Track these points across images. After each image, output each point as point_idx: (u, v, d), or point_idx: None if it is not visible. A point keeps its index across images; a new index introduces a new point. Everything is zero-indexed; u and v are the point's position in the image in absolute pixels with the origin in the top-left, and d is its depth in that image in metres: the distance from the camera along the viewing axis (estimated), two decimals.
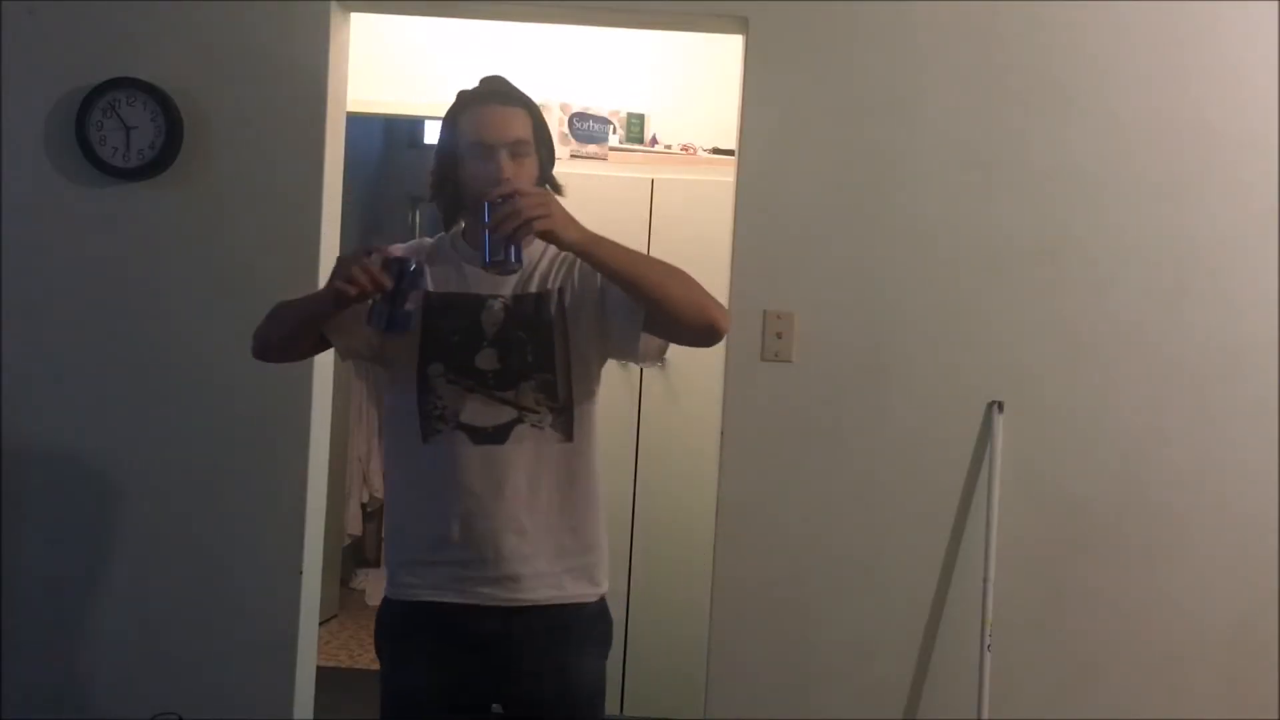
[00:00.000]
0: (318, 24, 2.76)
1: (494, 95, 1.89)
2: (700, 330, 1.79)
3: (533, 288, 1.90)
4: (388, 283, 1.71)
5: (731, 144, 2.91)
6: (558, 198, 1.78)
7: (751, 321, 2.76)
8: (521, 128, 1.87)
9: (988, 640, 2.69)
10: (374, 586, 5.41)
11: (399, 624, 1.94)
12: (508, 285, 1.88)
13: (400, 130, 5.97)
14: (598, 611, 1.95)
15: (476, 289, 1.89)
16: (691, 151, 3.93)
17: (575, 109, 3.97)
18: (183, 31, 2.76)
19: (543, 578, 1.87)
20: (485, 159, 1.83)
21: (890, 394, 2.79)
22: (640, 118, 4.05)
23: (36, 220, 2.78)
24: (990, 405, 2.78)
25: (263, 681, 2.79)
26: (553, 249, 1.88)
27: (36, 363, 2.79)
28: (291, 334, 1.92)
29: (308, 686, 2.89)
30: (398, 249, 1.86)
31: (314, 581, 2.87)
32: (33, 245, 2.79)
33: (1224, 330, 2.77)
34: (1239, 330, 2.77)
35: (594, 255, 1.74)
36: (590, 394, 1.93)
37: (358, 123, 3.40)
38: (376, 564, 5.65)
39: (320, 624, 3.13)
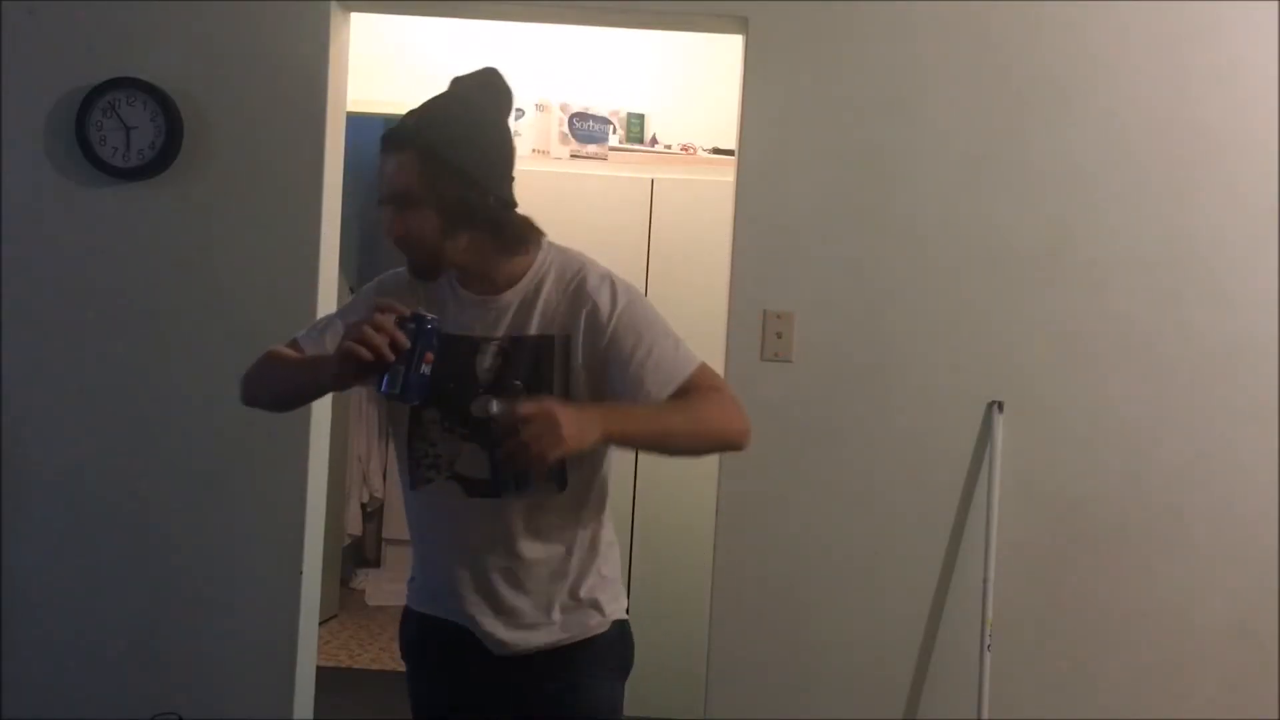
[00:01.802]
0: (318, 24, 2.76)
1: (388, 136, 1.71)
2: (723, 450, 1.79)
3: (531, 329, 1.73)
4: (406, 341, 1.56)
5: (731, 144, 2.92)
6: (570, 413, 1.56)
7: (751, 321, 2.77)
8: (402, 176, 1.66)
9: (988, 640, 2.69)
10: (374, 586, 5.42)
11: (413, 632, 1.90)
12: (501, 326, 1.73)
13: None
14: (614, 637, 1.84)
15: (468, 330, 1.74)
16: (691, 151, 3.93)
17: (575, 109, 3.97)
18: (183, 31, 2.76)
19: (540, 626, 1.78)
20: (382, 211, 1.69)
21: (890, 394, 2.79)
22: (640, 118, 4.05)
23: (36, 220, 2.78)
24: (990, 405, 2.78)
25: (263, 681, 2.79)
26: (549, 280, 1.75)
27: (36, 362, 2.79)
28: (284, 397, 1.87)
29: (308, 686, 2.89)
30: (391, 303, 1.63)
31: (314, 581, 2.87)
32: (33, 245, 2.79)
33: (1223, 330, 2.77)
34: (1238, 330, 2.77)
35: (619, 441, 1.65)
36: None
37: (358, 123, 3.40)
38: (376, 564, 5.65)
39: (320, 624, 3.13)
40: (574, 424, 1.52)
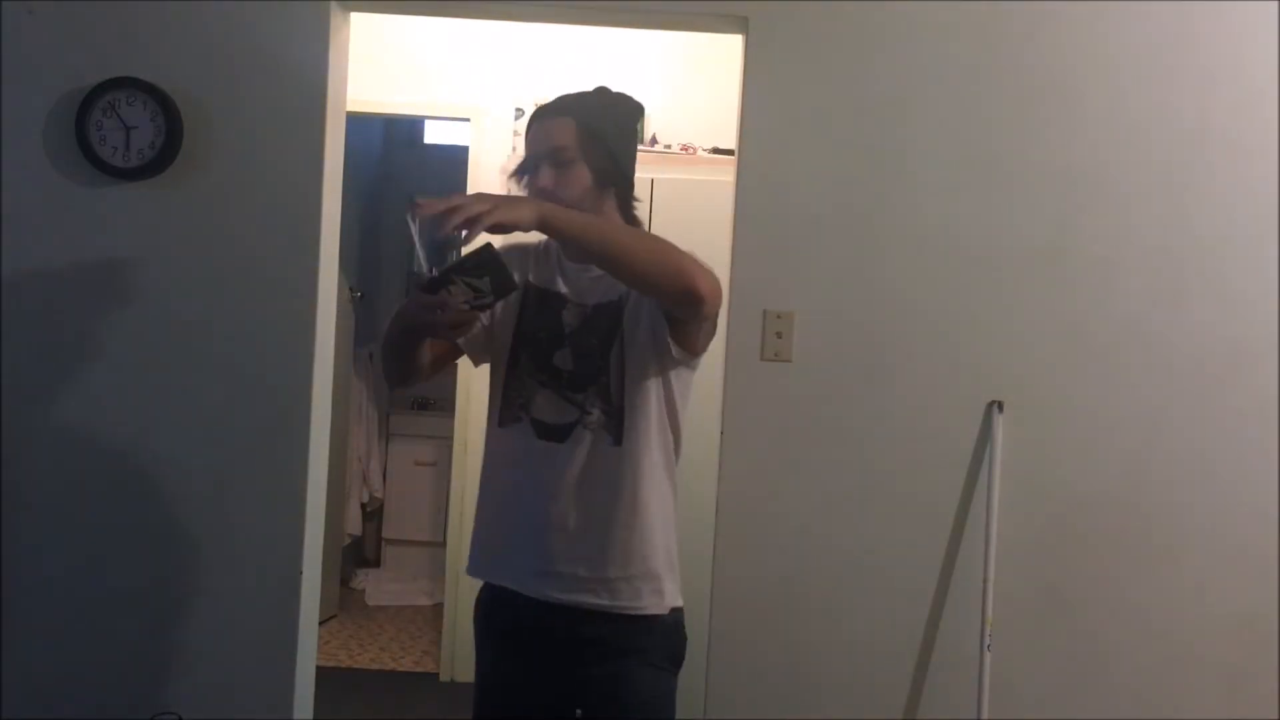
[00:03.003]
0: (318, 24, 2.76)
1: (543, 109, 1.97)
2: (680, 294, 1.77)
3: (613, 295, 1.94)
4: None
5: (731, 144, 2.92)
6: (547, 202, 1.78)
7: (751, 321, 2.77)
8: (561, 135, 1.90)
9: (988, 640, 2.69)
10: (374, 586, 5.42)
11: (482, 605, 2.01)
12: (588, 292, 1.94)
13: (400, 130, 5.98)
14: (667, 626, 1.92)
15: (563, 289, 1.97)
16: (691, 151, 3.93)
17: None
18: (183, 31, 2.76)
19: (584, 582, 1.87)
20: (533, 172, 1.91)
21: (890, 394, 2.79)
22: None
23: (36, 220, 2.78)
24: (990, 405, 2.78)
25: (263, 681, 2.79)
26: None
27: (36, 363, 2.79)
28: (406, 360, 1.96)
29: (308, 686, 2.89)
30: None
31: (314, 581, 2.87)
32: (33, 245, 2.79)
33: (1224, 330, 2.77)
34: (1239, 330, 2.77)
35: (552, 226, 1.73)
36: (646, 399, 1.91)
37: (358, 123, 3.40)
38: (376, 564, 5.67)
39: (320, 624, 3.13)
40: (503, 199, 1.68)
